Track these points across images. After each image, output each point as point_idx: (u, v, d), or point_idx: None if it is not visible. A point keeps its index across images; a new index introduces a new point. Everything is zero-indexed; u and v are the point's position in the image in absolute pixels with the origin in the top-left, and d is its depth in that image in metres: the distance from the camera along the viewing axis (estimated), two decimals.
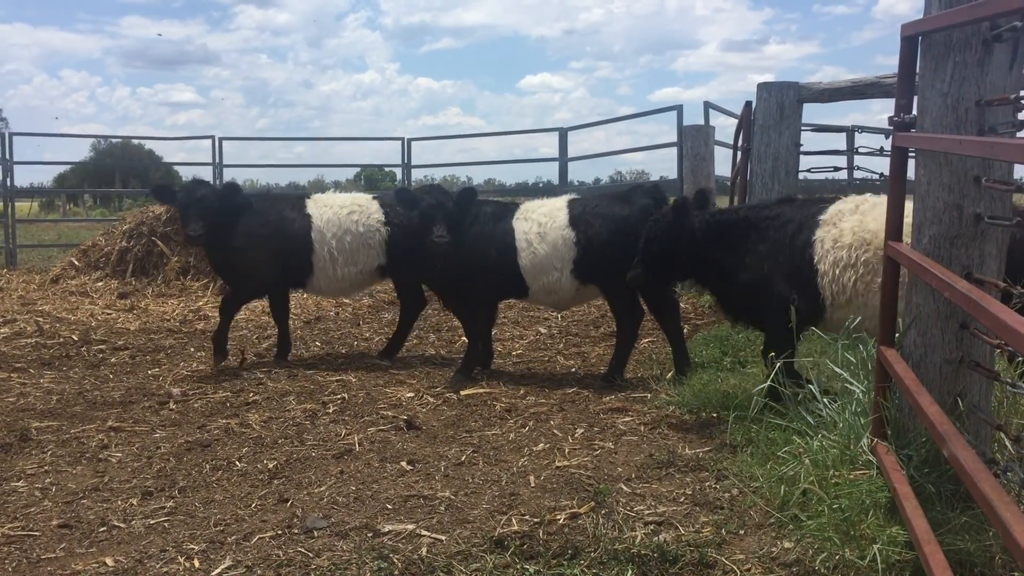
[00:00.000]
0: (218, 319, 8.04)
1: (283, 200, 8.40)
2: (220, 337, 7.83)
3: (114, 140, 44.70)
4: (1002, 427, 3.58)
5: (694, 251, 5.92)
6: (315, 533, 4.05)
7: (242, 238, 7.82)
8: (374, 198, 8.30)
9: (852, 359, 4.67)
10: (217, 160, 16.65)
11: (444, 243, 6.80)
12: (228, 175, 16.95)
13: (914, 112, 3.91)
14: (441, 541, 3.93)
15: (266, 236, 7.88)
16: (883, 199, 5.16)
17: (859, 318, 4.97)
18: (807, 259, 5.35)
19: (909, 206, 4.00)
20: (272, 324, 10.00)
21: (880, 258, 4.59)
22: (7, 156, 16.30)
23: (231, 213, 7.81)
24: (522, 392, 6.88)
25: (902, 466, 3.65)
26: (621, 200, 6.95)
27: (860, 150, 10.44)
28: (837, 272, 5.20)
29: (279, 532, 4.08)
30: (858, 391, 4.41)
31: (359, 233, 7.92)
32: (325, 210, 8.00)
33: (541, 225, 6.94)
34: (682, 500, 4.38)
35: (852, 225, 5.23)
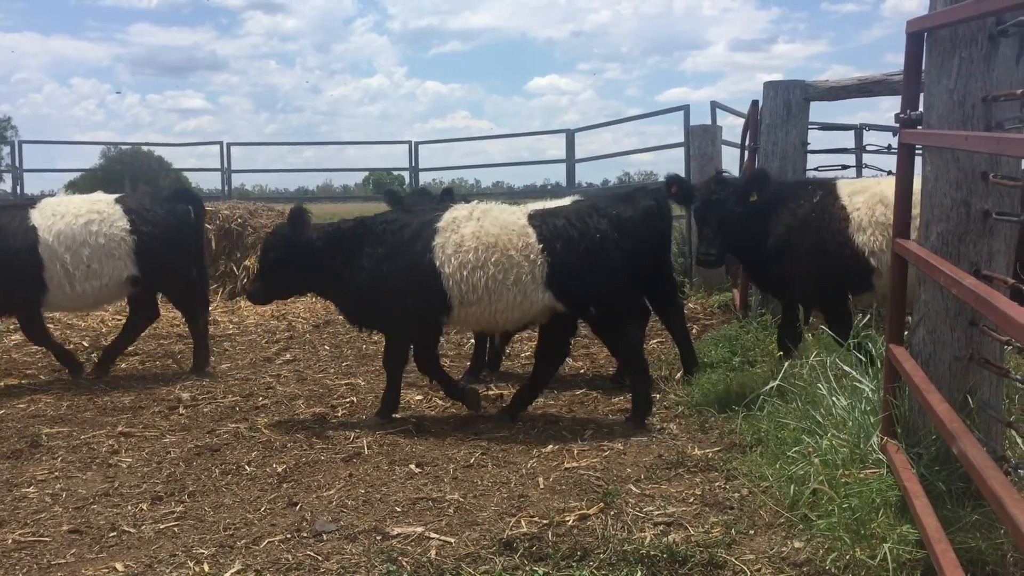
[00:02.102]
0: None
1: (5, 210, 7.48)
2: None
3: (124, 147, 44.75)
4: (1012, 424, 3.56)
5: (311, 262, 6.10)
6: (324, 536, 4.05)
7: None
8: (116, 201, 7.45)
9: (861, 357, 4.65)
10: (226, 166, 16.71)
11: None
12: (237, 180, 17.01)
13: (920, 109, 3.89)
14: (450, 543, 3.93)
15: None
16: (491, 207, 5.97)
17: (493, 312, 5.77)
18: (428, 263, 5.77)
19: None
20: (281, 329, 10.04)
21: (505, 259, 5.64)
22: (17, 164, 16.39)
23: None
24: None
25: (912, 464, 3.63)
26: (623, 201, 6.85)
27: (868, 148, 10.40)
28: (465, 273, 5.66)
29: (288, 536, 4.08)
30: (867, 389, 4.39)
31: (99, 245, 7.18)
32: (55, 220, 7.16)
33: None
34: (691, 500, 4.37)
35: (474, 230, 5.76)
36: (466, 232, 5.76)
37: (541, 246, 5.71)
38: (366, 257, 5.94)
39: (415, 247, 5.82)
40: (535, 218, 5.86)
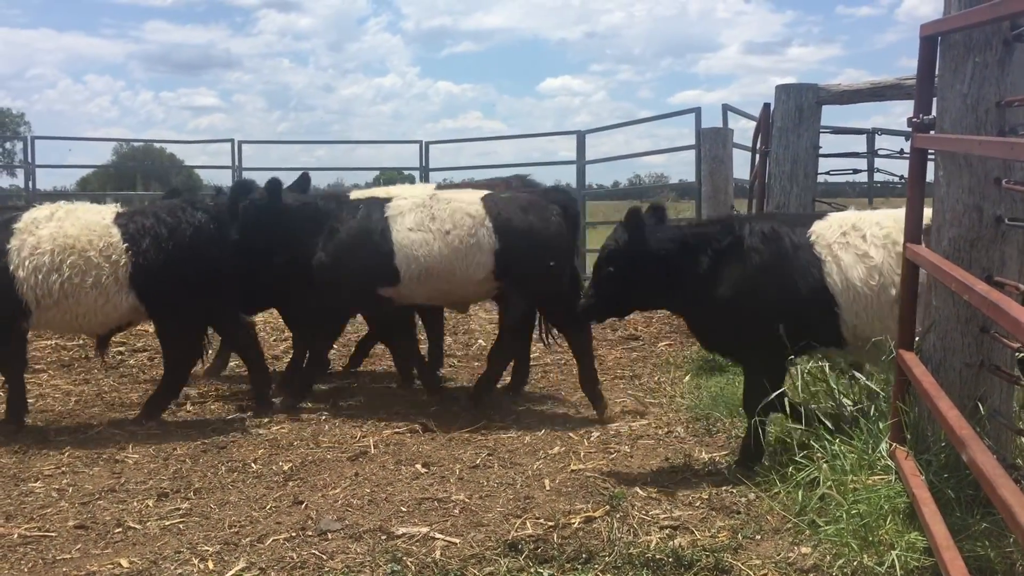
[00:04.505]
0: None
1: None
2: None
3: (136, 144, 44.97)
4: (1023, 432, 3.53)
5: None
6: (329, 535, 4.05)
7: None
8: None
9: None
10: (237, 163, 16.73)
11: None
12: (248, 178, 17.04)
13: (934, 113, 3.87)
14: (455, 544, 3.92)
15: None
16: (77, 206, 5.80)
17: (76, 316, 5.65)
18: (2, 267, 5.57)
19: None
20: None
21: (83, 261, 5.52)
22: (30, 160, 16.46)
23: None
24: (538, 395, 6.87)
25: (921, 471, 3.61)
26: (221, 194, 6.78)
27: (880, 152, 10.34)
28: (40, 277, 5.52)
29: (293, 534, 4.08)
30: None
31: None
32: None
33: None
34: (698, 504, 4.35)
35: (51, 232, 5.60)
36: (43, 234, 5.62)
37: (125, 246, 5.65)
38: None
39: None
40: (122, 217, 5.79)
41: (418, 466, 5.06)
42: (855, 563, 3.44)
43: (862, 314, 4.47)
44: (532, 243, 6.14)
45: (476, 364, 8.06)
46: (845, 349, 4.69)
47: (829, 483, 3.94)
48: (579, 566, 3.65)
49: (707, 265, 4.75)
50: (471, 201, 6.28)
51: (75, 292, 5.62)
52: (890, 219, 4.54)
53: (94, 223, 5.75)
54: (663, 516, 4.19)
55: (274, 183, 6.58)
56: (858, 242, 4.53)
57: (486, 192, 6.47)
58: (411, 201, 6.34)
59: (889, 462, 3.90)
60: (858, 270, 4.46)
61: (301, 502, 4.51)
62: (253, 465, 5.14)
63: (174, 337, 6.14)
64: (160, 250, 5.78)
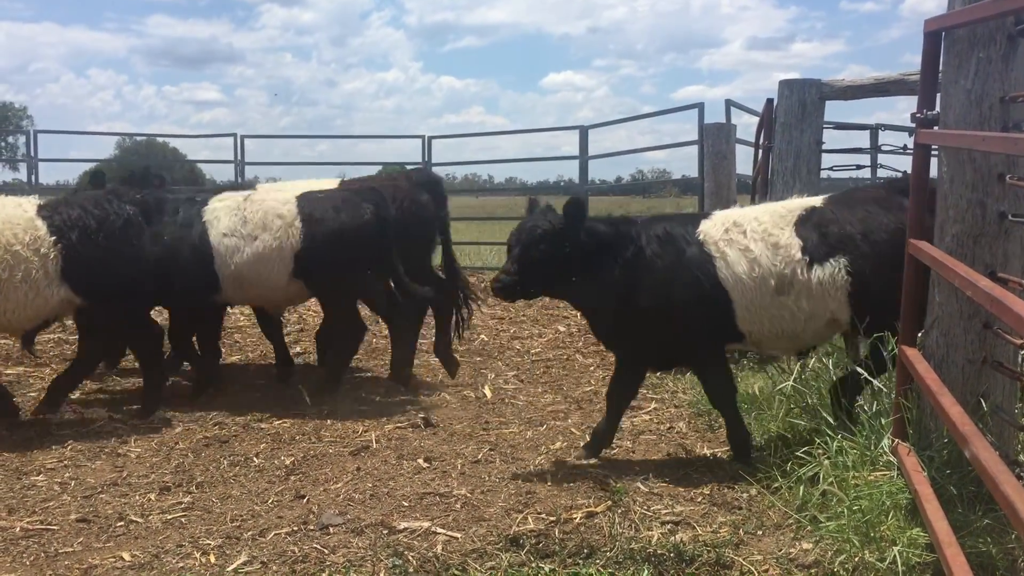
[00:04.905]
0: None
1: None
2: None
3: (139, 138, 44.89)
4: None
5: None
6: (331, 529, 4.05)
7: None
8: None
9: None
10: (239, 158, 16.71)
11: None
12: (250, 172, 17.00)
13: (937, 109, 3.85)
14: (456, 539, 3.92)
15: None
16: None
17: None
18: None
19: None
20: (292, 322, 10.05)
21: (10, 255, 5.38)
22: (32, 153, 16.45)
23: None
24: (540, 390, 6.87)
25: (923, 467, 3.60)
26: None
27: (883, 148, 10.33)
28: None
29: (295, 528, 4.08)
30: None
31: None
32: None
33: None
34: (699, 500, 4.35)
35: None
36: None
37: (53, 239, 5.57)
38: None
39: None
40: (45, 209, 5.69)
41: (420, 461, 5.06)
42: (856, 559, 3.44)
43: (751, 307, 4.65)
44: (340, 243, 6.24)
45: (478, 359, 8.06)
46: (743, 343, 4.89)
47: (831, 479, 3.94)
48: (580, 561, 3.65)
49: (617, 265, 4.81)
50: (285, 201, 6.34)
51: (3, 287, 5.48)
52: (767, 214, 4.83)
53: (16, 216, 5.59)
54: (665, 511, 4.19)
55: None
56: (739, 237, 4.72)
57: (303, 191, 6.55)
58: (226, 204, 6.41)
59: (891, 458, 3.90)
60: (742, 264, 4.64)
61: (303, 496, 4.52)
62: (255, 459, 5.14)
63: (101, 329, 6.06)
64: (90, 242, 5.65)
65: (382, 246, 6.40)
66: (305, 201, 6.37)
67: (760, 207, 5.02)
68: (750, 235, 4.70)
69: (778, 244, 4.64)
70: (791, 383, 5.10)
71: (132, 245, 5.85)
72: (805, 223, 4.68)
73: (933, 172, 3.99)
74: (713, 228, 4.81)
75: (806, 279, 4.55)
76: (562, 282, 4.86)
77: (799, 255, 4.59)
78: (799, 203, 4.89)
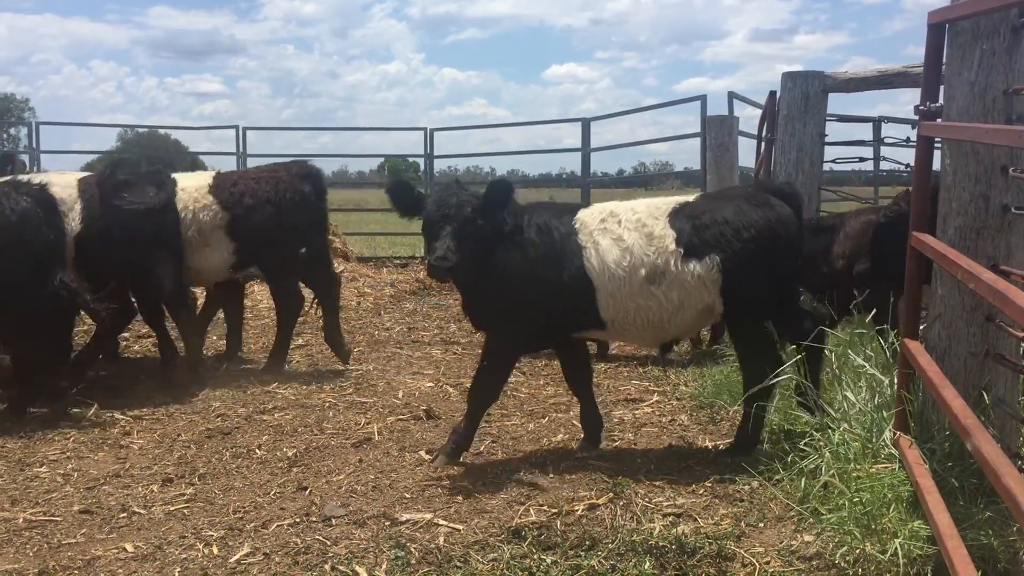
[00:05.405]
0: None
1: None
2: None
3: (140, 130, 44.94)
4: None
5: None
6: (333, 521, 4.06)
7: None
8: None
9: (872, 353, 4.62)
10: (241, 150, 16.71)
11: None
12: (252, 164, 17.00)
13: (941, 101, 3.84)
14: (459, 530, 3.93)
15: None
16: None
17: None
18: None
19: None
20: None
21: None
22: (34, 145, 16.47)
23: None
24: (541, 383, 6.88)
25: (925, 460, 3.60)
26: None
27: (886, 140, 10.30)
28: None
29: (297, 519, 4.09)
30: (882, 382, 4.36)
31: None
32: None
33: None
34: (701, 492, 4.35)
35: None
36: None
37: None
38: None
39: None
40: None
41: (422, 453, 5.07)
42: (858, 551, 3.44)
43: (616, 294, 4.70)
44: (124, 229, 6.37)
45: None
46: (605, 330, 4.91)
47: (832, 471, 3.94)
48: (582, 553, 3.66)
49: (500, 250, 4.76)
50: (65, 184, 6.38)
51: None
52: (643, 205, 4.89)
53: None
54: (666, 504, 4.19)
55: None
56: (614, 227, 4.76)
57: (83, 175, 6.66)
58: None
59: (893, 451, 3.90)
60: (613, 253, 4.68)
61: (305, 488, 4.52)
62: (257, 451, 5.15)
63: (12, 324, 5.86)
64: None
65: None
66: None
67: (639, 200, 5.05)
68: (624, 224, 4.76)
69: (652, 235, 4.70)
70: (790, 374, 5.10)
71: (30, 240, 5.60)
72: (679, 215, 4.74)
73: (936, 165, 3.99)
74: (590, 217, 4.86)
75: (679, 270, 4.62)
76: (479, 263, 4.72)
77: (673, 246, 4.65)
78: (675, 198, 4.96)
